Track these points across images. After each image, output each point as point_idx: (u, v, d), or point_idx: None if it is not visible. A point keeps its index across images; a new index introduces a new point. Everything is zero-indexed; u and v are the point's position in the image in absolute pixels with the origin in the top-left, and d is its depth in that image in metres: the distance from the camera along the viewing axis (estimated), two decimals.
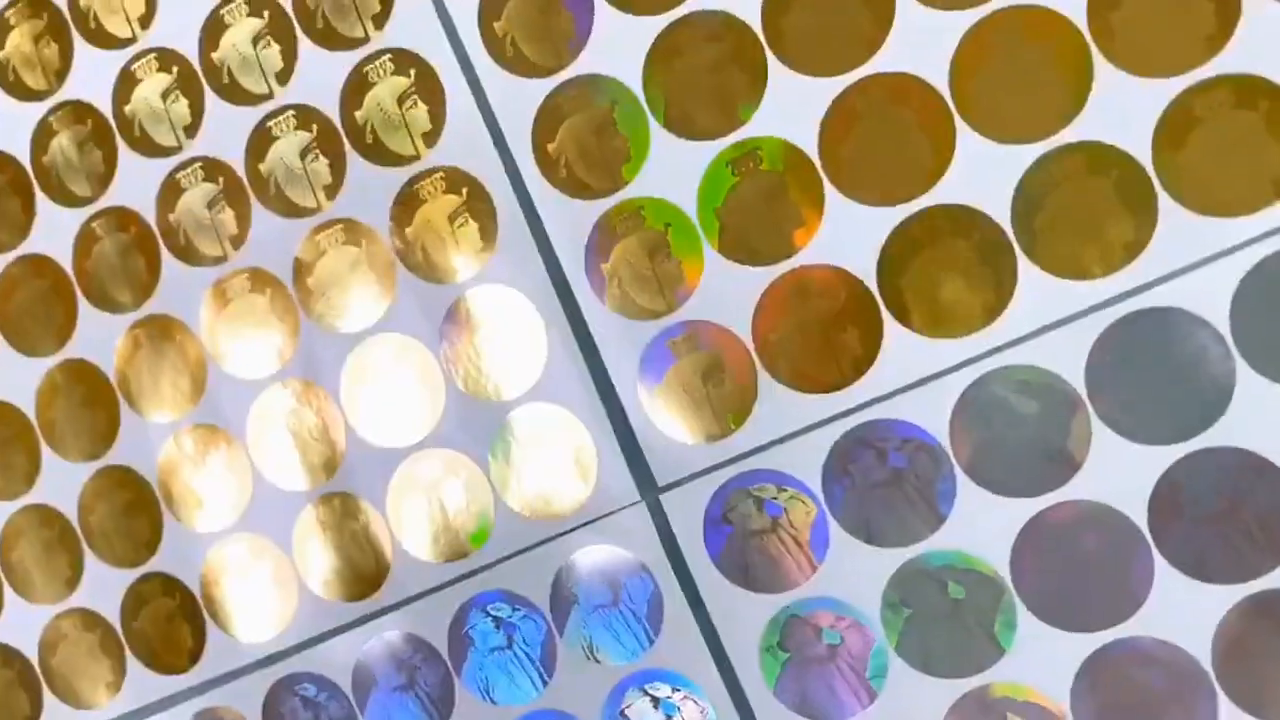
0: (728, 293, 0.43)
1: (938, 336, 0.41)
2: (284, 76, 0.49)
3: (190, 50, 0.50)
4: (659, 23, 0.44)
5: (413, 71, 0.47)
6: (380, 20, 0.47)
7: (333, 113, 0.48)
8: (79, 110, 0.52)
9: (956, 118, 0.41)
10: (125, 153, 0.51)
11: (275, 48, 0.48)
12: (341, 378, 0.48)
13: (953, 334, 0.41)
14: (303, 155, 0.48)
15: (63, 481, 0.53)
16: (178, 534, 0.51)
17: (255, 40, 0.49)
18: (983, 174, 0.41)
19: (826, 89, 0.42)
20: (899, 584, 0.42)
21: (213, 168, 0.50)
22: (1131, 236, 0.39)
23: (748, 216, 0.43)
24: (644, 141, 0.44)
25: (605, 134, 0.45)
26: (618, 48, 0.44)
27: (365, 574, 0.49)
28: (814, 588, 0.43)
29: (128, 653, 0.52)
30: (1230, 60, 0.38)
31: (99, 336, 0.52)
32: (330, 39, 0.48)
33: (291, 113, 0.48)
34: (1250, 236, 0.38)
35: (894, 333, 0.42)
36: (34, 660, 0.54)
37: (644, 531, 0.45)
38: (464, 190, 0.46)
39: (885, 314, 0.42)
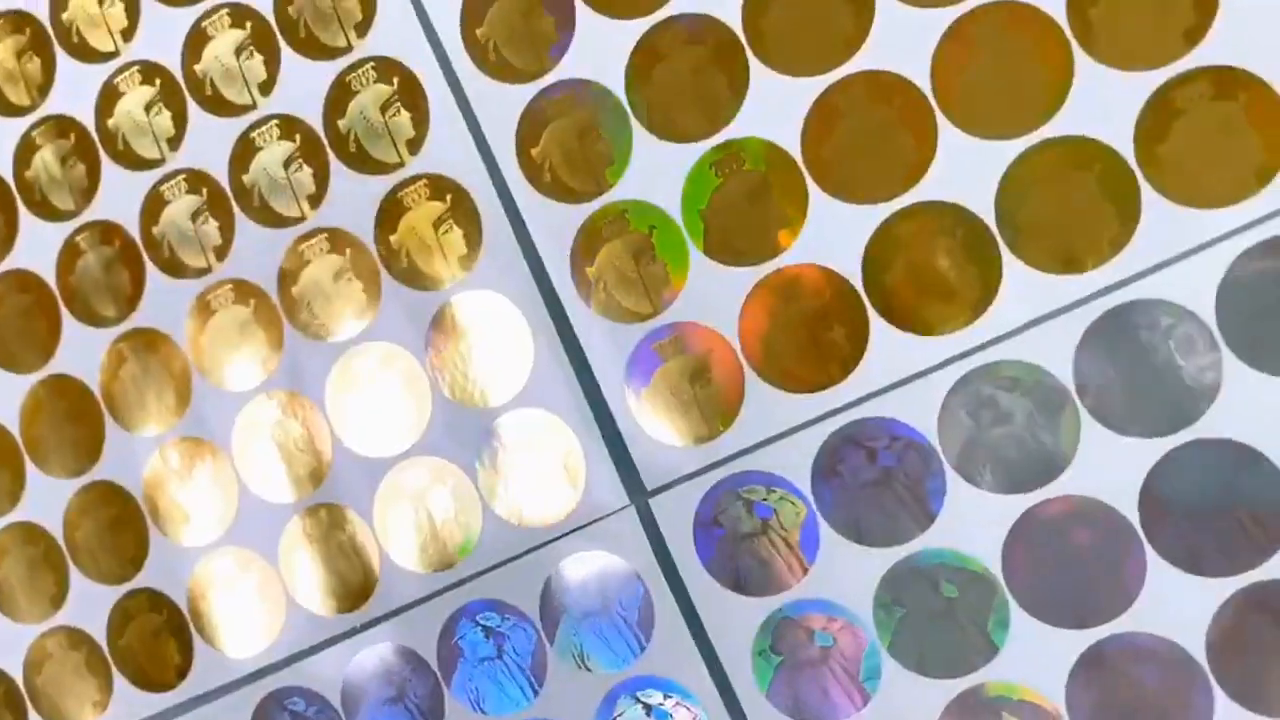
0: (713, 294, 0.43)
1: (924, 333, 0.41)
2: (267, 87, 0.49)
3: (173, 62, 0.50)
4: (640, 26, 0.44)
5: (395, 79, 0.47)
6: (362, 29, 0.47)
7: (316, 122, 0.48)
8: (62, 125, 0.51)
9: (938, 114, 0.41)
10: (109, 166, 0.51)
11: (258, 58, 0.48)
12: (327, 387, 0.48)
13: (939, 331, 0.41)
14: (286, 165, 0.48)
15: (47, 498, 0.52)
16: (164, 549, 0.51)
17: (238, 51, 0.49)
18: (965, 170, 0.41)
19: (808, 89, 0.42)
20: (891, 584, 0.42)
21: (196, 179, 0.50)
22: (1116, 230, 0.39)
23: (732, 217, 0.43)
24: (627, 144, 0.44)
25: (589, 138, 0.45)
26: (600, 51, 0.44)
27: (353, 586, 0.48)
28: (805, 590, 0.43)
29: (114, 670, 0.52)
30: (1209, 52, 0.38)
31: (83, 351, 0.51)
32: (312, 48, 0.48)
33: (275, 123, 0.48)
34: (1234, 227, 0.38)
35: (880, 330, 0.42)
36: (19, 680, 0.53)
37: (633, 536, 0.45)
38: (448, 197, 0.46)
39: (871, 312, 0.42)
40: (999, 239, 0.40)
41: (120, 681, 0.51)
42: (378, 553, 0.48)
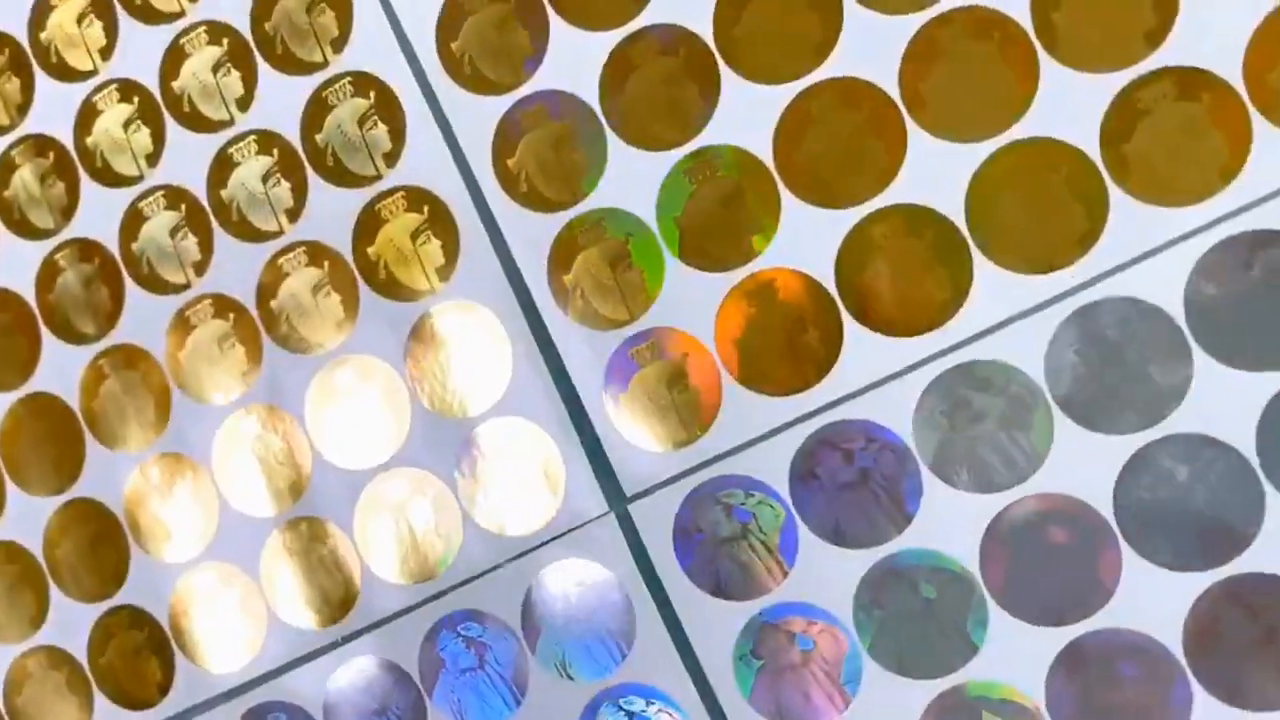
0: (689, 299, 0.44)
1: (897, 335, 0.42)
2: (244, 103, 0.49)
3: (151, 80, 0.50)
4: (613, 38, 0.44)
5: (372, 93, 0.47)
6: (339, 44, 0.48)
7: (294, 137, 0.48)
8: (41, 143, 0.52)
9: (907, 119, 0.41)
10: (87, 184, 0.51)
11: (235, 74, 0.49)
12: (306, 400, 0.48)
13: (912, 332, 0.41)
14: (265, 180, 0.49)
15: (28, 517, 0.52)
16: (145, 565, 0.50)
17: (215, 68, 0.49)
18: (935, 173, 0.41)
19: (779, 96, 0.43)
20: (870, 586, 0.42)
21: (175, 195, 0.50)
22: (1084, 229, 0.40)
23: (706, 223, 0.43)
24: (602, 154, 0.45)
25: (564, 148, 0.45)
26: (573, 63, 0.45)
27: (334, 599, 0.48)
28: (785, 593, 0.43)
29: (95, 689, 0.51)
30: (1171, 54, 0.39)
31: (63, 369, 0.51)
32: (289, 64, 0.48)
33: (253, 138, 0.49)
34: (1200, 224, 0.39)
35: (854, 333, 0.42)
36: None
37: (614, 543, 0.45)
38: (425, 208, 0.47)
39: (845, 315, 0.42)
40: (969, 240, 0.41)
41: (101, 700, 0.51)
42: (358, 565, 0.48)
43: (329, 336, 0.48)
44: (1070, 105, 0.40)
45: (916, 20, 0.41)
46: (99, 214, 0.51)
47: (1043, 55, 0.40)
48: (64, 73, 0.51)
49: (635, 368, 0.44)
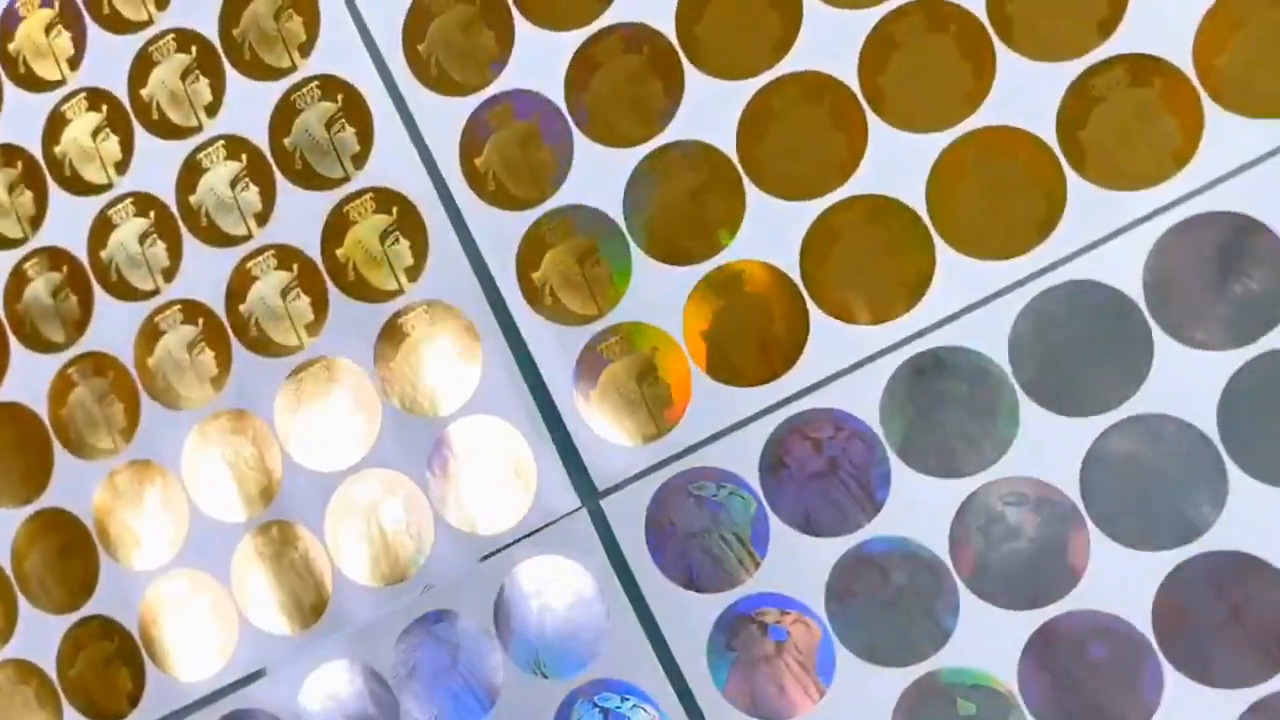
0: (657, 294, 0.44)
1: (862, 323, 0.42)
2: (213, 109, 0.49)
3: (119, 88, 0.50)
4: (578, 37, 0.45)
5: (340, 96, 0.47)
6: (306, 49, 0.48)
7: (262, 141, 0.48)
8: (9, 153, 0.52)
9: (867, 111, 0.42)
10: (56, 192, 0.51)
11: (204, 81, 0.49)
12: (276, 404, 0.48)
13: (877, 320, 0.42)
14: (233, 185, 0.49)
15: None
16: (115, 574, 0.50)
17: (184, 75, 0.49)
18: (896, 164, 0.42)
19: (741, 91, 0.43)
20: (841, 574, 0.42)
21: (144, 202, 0.50)
22: (1043, 214, 0.40)
23: (673, 218, 0.44)
24: (568, 151, 0.45)
25: (531, 146, 0.45)
26: (539, 62, 0.45)
27: (306, 603, 0.48)
28: (757, 584, 0.43)
29: (64, 702, 0.51)
30: (1122, 42, 0.40)
31: (31, 378, 0.51)
32: (257, 69, 0.48)
33: (221, 143, 0.49)
34: (1156, 207, 0.39)
35: (820, 322, 0.42)
36: None
37: (586, 539, 0.45)
38: (394, 209, 0.47)
39: (810, 304, 0.42)
40: (931, 229, 0.41)
41: (70, 713, 0.50)
42: (330, 569, 0.47)
43: (299, 338, 0.48)
44: (1026, 94, 0.41)
45: (874, 14, 0.42)
46: (68, 222, 0.51)
47: (998, 45, 0.41)
48: (32, 83, 0.52)
49: (605, 363, 0.44)
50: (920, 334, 0.41)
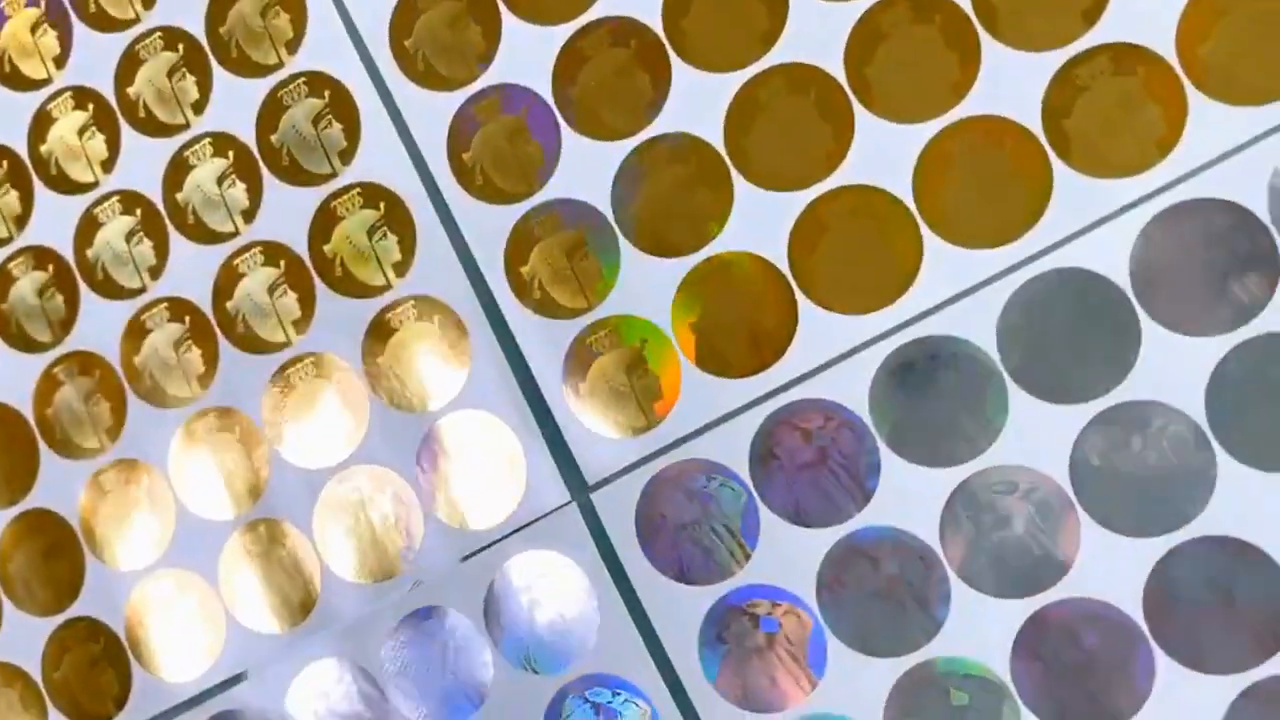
0: (647, 285, 0.44)
1: (851, 313, 0.42)
2: (200, 106, 0.49)
3: (106, 87, 0.50)
4: (565, 31, 0.45)
5: (327, 92, 0.47)
6: (293, 46, 0.48)
7: (249, 138, 0.48)
8: None
9: (854, 102, 0.42)
10: (42, 191, 0.51)
11: (190, 79, 0.49)
12: (263, 401, 0.48)
13: (866, 310, 0.42)
14: (220, 182, 0.49)
15: None
16: (101, 575, 0.50)
17: (170, 73, 0.49)
18: (883, 154, 0.42)
19: (728, 83, 0.43)
20: (832, 564, 0.42)
21: (130, 200, 0.50)
22: (1030, 203, 0.41)
23: (661, 210, 0.44)
24: (556, 145, 0.45)
25: (519, 140, 0.45)
26: (526, 57, 0.45)
27: (294, 601, 0.47)
28: (748, 575, 0.43)
29: (49, 705, 0.50)
30: (1106, 31, 0.40)
31: (16, 378, 0.51)
32: (244, 66, 0.48)
33: (208, 141, 0.49)
34: (1142, 194, 0.40)
35: (809, 313, 0.42)
36: None
37: (576, 533, 0.44)
38: (382, 204, 0.47)
39: (799, 295, 0.42)
40: (918, 218, 0.41)
41: (55, 716, 0.50)
42: (318, 566, 0.47)
43: (286, 336, 0.48)
44: (1012, 84, 0.41)
45: (860, 6, 0.42)
46: (53, 221, 0.51)
47: (983, 36, 0.41)
48: (18, 81, 0.51)
49: (594, 356, 0.44)
50: (908, 323, 0.41)
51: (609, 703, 0.44)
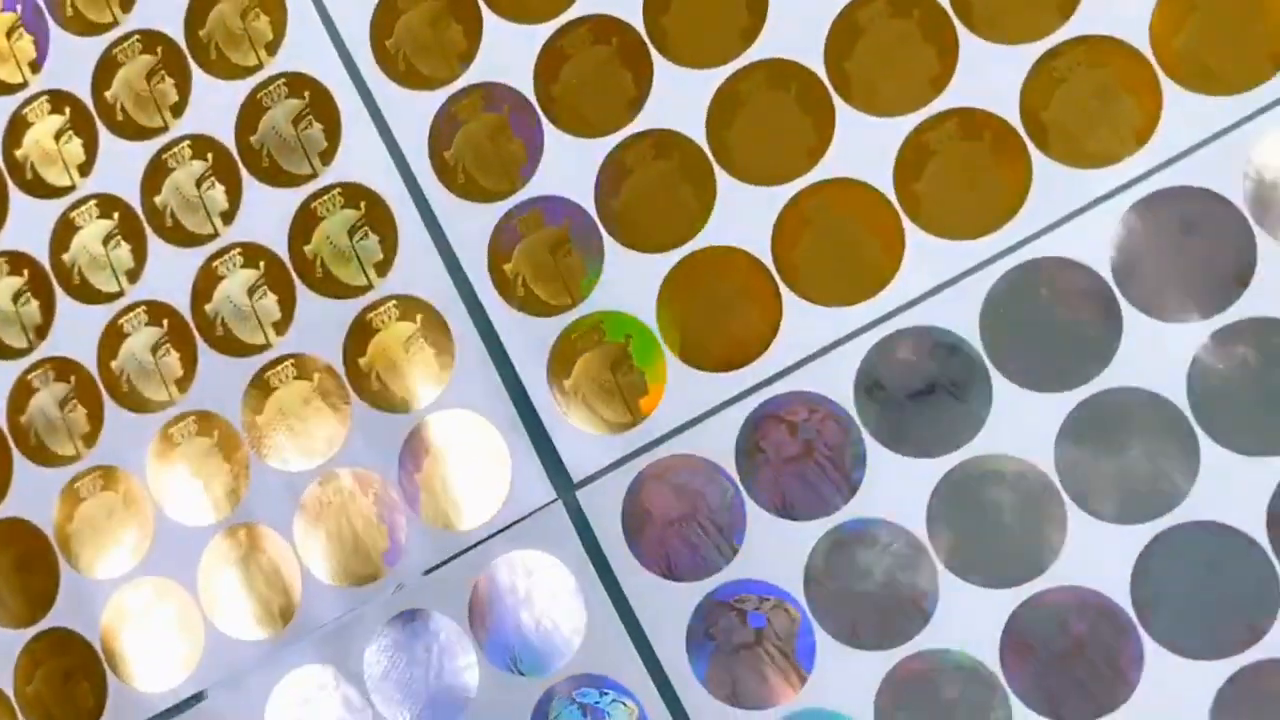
0: (631, 282, 0.44)
1: (835, 305, 0.42)
2: (179, 109, 0.49)
3: (83, 90, 0.50)
4: (546, 29, 0.45)
5: (307, 93, 0.47)
6: (273, 47, 0.48)
7: (228, 140, 0.48)
8: None
9: (834, 95, 0.42)
10: (17, 195, 0.50)
11: (169, 81, 0.49)
12: (243, 404, 0.47)
13: (850, 301, 0.42)
14: (199, 184, 0.48)
15: None
16: (76, 585, 0.49)
17: (149, 76, 0.49)
18: (863, 148, 0.42)
19: (710, 79, 0.44)
20: (819, 557, 0.42)
21: (108, 203, 0.49)
22: (1010, 194, 0.41)
23: (644, 206, 0.44)
24: (539, 143, 0.45)
25: (500, 138, 0.45)
26: (508, 55, 0.45)
27: (275, 607, 0.47)
28: (736, 570, 0.42)
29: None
30: (1081, 24, 0.41)
31: None
32: (223, 69, 0.48)
33: (187, 143, 0.49)
34: (1120, 184, 0.40)
35: (793, 305, 0.42)
36: None
37: (562, 531, 0.44)
38: (363, 204, 0.46)
39: (783, 288, 0.42)
40: (900, 210, 0.42)
41: None
42: (299, 571, 0.46)
43: (266, 338, 0.47)
44: (989, 76, 0.41)
45: (839, 1, 0.43)
46: (29, 225, 0.50)
47: (961, 29, 0.42)
48: None
49: (579, 352, 0.44)
50: (892, 314, 0.42)
51: (596, 703, 0.43)
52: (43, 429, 0.49)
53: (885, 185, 0.42)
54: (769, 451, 0.42)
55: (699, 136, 0.44)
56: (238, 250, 0.48)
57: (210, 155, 0.48)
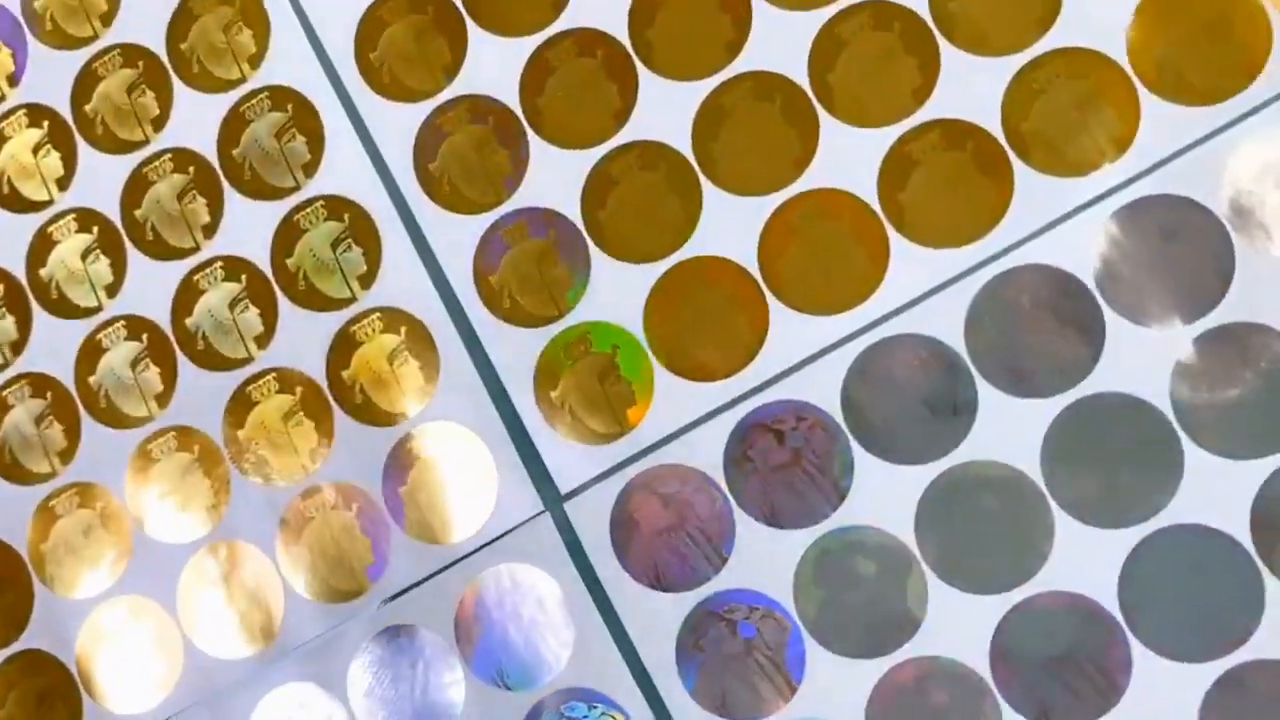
0: (617, 292, 0.44)
1: (821, 314, 0.42)
2: (160, 122, 0.48)
3: (63, 105, 0.49)
4: (531, 42, 0.45)
5: (290, 106, 0.47)
6: (256, 60, 0.48)
7: (210, 153, 0.48)
8: None
9: (818, 107, 0.43)
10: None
11: (150, 95, 0.49)
12: (224, 419, 0.47)
13: (835, 310, 0.42)
14: (180, 197, 0.48)
15: None
16: (51, 605, 0.48)
17: (130, 89, 0.49)
18: (848, 158, 0.43)
19: (695, 91, 0.44)
20: (808, 566, 0.42)
21: (87, 218, 0.49)
22: (993, 203, 0.41)
23: (631, 217, 0.44)
24: (524, 155, 0.45)
25: (486, 150, 0.45)
26: (492, 68, 0.46)
27: (257, 625, 0.46)
28: (725, 580, 0.42)
29: None
30: (1059, 37, 0.41)
31: None
32: (206, 82, 0.48)
33: (168, 157, 0.48)
34: (1100, 192, 0.41)
35: (779, 314, 0.43)
36: None
37: (550, 544, 0.44)
38: (346, 216, 0.46)
39: (770, 297, 0.43)
40: (884, 219, 0.42)
41: None
42: (281, 587, 0.46)
43: (247, 352, 0.47)
44: (971, 88, 0.42)
45: (822, 14, 0.43)
46: (7, 241, 0.49)
47: (942, 42, 0.42)
48: None
49: (565, 363, 0.44)
50: (878, 322, 0.42)
51: (585, 717, 0.43)
52: (17, 446, 0.48)
53: (870, 195, 0.42)
54: (757, 460, 0.42)
55: (685, 148, 0.44)
56: (220, 264, 0.47)
57: (192, 168, 0.48)
